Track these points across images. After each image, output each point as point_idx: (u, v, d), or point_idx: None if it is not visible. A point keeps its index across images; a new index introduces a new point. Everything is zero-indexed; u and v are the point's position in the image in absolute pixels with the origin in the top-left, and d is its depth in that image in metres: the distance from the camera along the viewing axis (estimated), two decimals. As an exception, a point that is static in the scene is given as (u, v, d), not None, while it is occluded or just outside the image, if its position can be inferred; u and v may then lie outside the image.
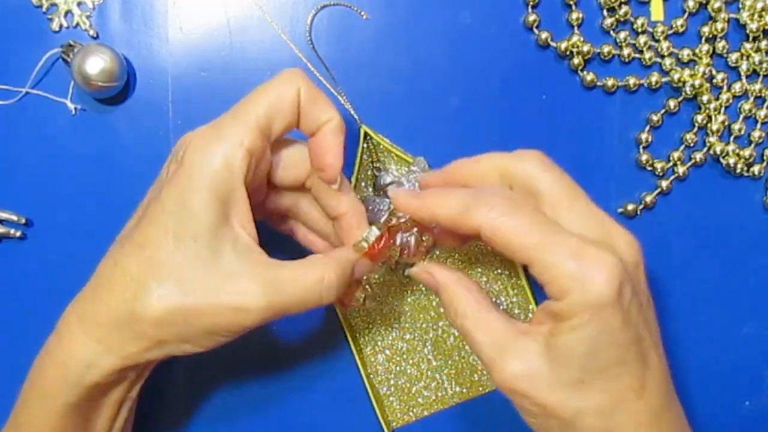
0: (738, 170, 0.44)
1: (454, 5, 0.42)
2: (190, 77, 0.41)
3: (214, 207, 0.31)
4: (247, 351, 0.42)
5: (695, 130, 0.44)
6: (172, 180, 0.31)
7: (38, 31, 0.41)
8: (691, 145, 0.44)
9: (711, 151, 0.44)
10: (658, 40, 0.43)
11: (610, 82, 0.43)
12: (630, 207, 0.44)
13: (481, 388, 0.43)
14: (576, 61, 0.43)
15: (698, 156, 0.44)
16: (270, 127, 0.32)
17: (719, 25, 0.43)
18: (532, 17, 0.42)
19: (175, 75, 0.41)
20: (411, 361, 0.43)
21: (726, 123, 0.44)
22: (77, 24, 0.41)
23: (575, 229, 0.30)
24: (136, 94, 0.41)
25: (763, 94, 0.44)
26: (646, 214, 0.44)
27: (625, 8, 0.43)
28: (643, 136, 0.44)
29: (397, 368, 0.43)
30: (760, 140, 0.44)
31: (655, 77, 0.43)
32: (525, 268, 0.39)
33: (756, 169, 0.44)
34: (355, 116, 0.42)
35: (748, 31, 0.43)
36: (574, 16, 0.43)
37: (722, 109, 0.44)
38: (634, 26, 0.43)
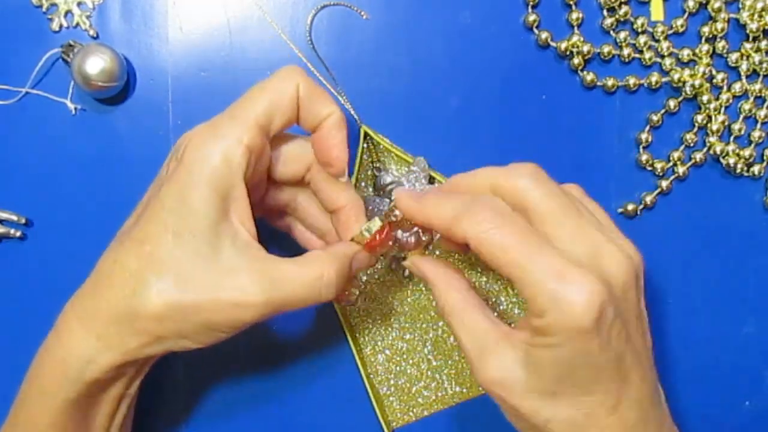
0: (738, 170, 0.44)
1: (454, 5, 0.42)
2: (190, 77, 0.41)
3: (214, 203, 0.31)
4: (248, 350, 0.42)
5: (695, 130, 0.44)
6: (171, 177, 0.31)
7: (38, 31, 0.41)
8: (691, 145, 0.44)
9: (711, 151, 0.44)
10: (658, 40, 0.43)
11: (610, 82, 0.43)
12: (630, 207, 0.44)
13: (481, 388, 0.43)
14: (576, 61, 0.43)
15: (698, 156, 0.44)
16: (269, 123, 0.33)
17: (719, 25, 0.43)
18: (532, 17, 0.42)
19: (175, 75, 0.41)
20: (411, 361, 0.43)
21: (726, 123, 0.44)
22: (77, 24, 0.41)
23: (564, 246, 0.30)
24: (136, 94, 0.41)
25: (763, 94, 0.44)
26: (646, 214, 0.44)
27: (625, 8, 0.43)
28: (643, 136, 0.44)
29: (397, 368, 0.43)
30: (760, 140, 0.44)
31: (655, 77, 0.43)
32: None
33: (756, 169, 0.44)
34: (355, 116, 0.42)
35: (748, 31, 0.43)
36: (574, 16, 0.43)
37: (722, 109, 0.44)
38: (634, 26, 0.43)
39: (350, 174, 0.41)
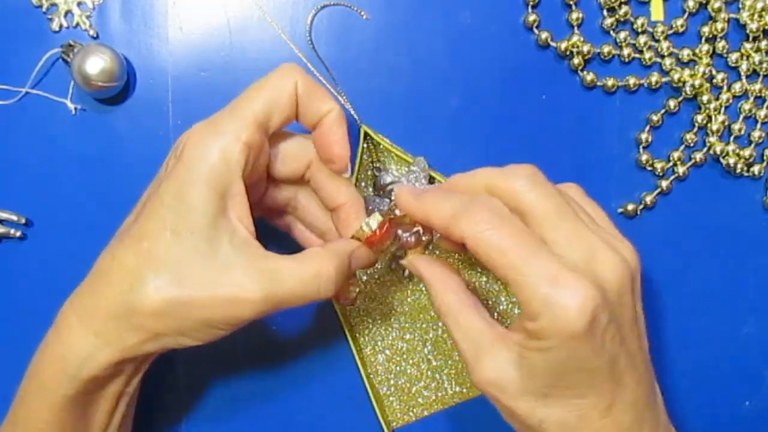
0: (738, 170, 0.44)
1: (454, 5, 0.42)
2: (190, 77, 0.41)
3: (212, 200, 0.31)
4: (247, 350, 0.42)
5: (695, 130, 0.44)
6: (170, 175, 0.32)
7: (38, 31, 0.41)
8: (691, 145, 0.44)
9: (711, 151, 0.44)
10: (658, 40, 0.43)
11: (610, 82, 0.43)
12: (630, 207, 0.44)
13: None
14: (576, 61, 0.43)
15: (698, 156, 0.44)
16: (268, 121, 0.33)
17: (719, 25, 0.43)
18: (532, 17, 0.42)
19: (175, 75, 0.41)
20: (411, 361, 0.43)
21: (726, 123, 0.44)
22: (77, 24, 0.41)
23: (559, 250, 0.30)
24: (136, 94, 0.41)
25: (763, 94, 0.44)
26: (646, 214, 0.44)
27: (625, 8, 0.43)
28: (643, 136, 0.44)
29: (397, 368, 0.43)
30: (760, 140, 0.44)
31: (655, 77, 0.43)
32: None
33: (756, 169, 0.44)
34: (355, 116, 0.42)
35: (748, 31, 0.43)
36: (574, 16, 0.43)
37: (722, 109, 0.44)
38: (634, 26, 0.43)
39: (351, 173, 0.41)
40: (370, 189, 0.42)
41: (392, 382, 0.43)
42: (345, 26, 0.42)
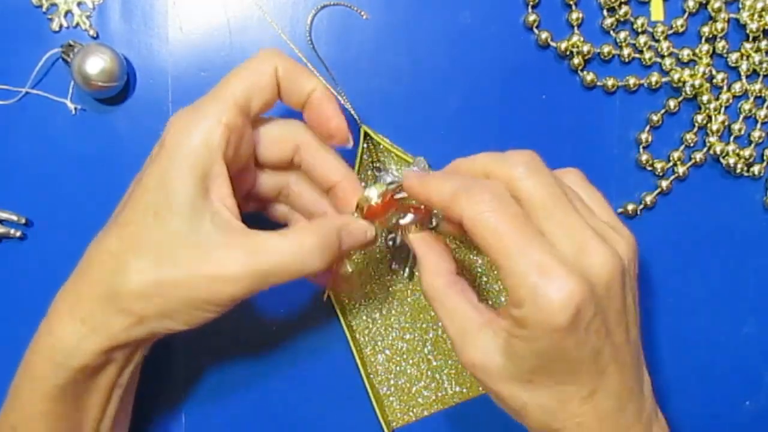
0: (738, 170, 0.44)
1: (454, 5, 0.42)
2: (190, 77, 0.41)
3: (193, 182, 0.31)
4: (247, 350, 0.42)
5: (695, 130, 0.44)
6: (154, 161, 0.32)
7: (38, 31, 0.41)
8: (691, 145, 0.44)
9: (711, 151, 0.44)
10: (658, 40, 0.43)
11: (610, 82, 0.43)
12: (630, 207, 0.44)
13: (481, 388, 0.43)
14: (576, 61, 0.43)
15: (698, 156, 0.44)
16: (248, 103, 0.33)
17: (719, 25, 0.43)
18: (532, 17, 0.42)
19: (175, 75, 0.41)
20: (411, 361, 0.43)
21: (726, 123, 0.44)
22: (77, 24, 0.41)
23: (551, 240, 0.30)
24: (136, 94, 0.41)
25: (763, 94, 0.44)
26: (646, 214, 0.44)
27: (625, 8, 0.43)
28: (643, 136, 0.44)
29: (397, 368, 0.43)
30: (760, 140, 0.44)
31: (655, 77, 0.43)
32: None
33: (756, 169, 0.44)
34: (355, 116, 0.42)
35: (748, 31, 0.43)
36: (574, 16, 0.43)
37: (722, 109, 0.44)
38: (634, 26, 0.43)
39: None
40: (370, 189, 0.42)
41: (392, 382, 0.43)
42: (345, 26, 0.42)
